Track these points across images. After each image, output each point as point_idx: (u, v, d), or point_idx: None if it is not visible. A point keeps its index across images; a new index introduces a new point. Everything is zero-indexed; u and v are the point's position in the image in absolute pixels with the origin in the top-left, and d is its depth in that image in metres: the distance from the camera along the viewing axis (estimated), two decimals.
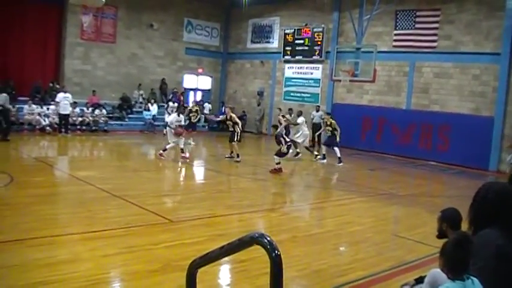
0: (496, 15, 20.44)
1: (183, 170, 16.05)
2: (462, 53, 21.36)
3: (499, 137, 20.09)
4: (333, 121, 18.96)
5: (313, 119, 24.74)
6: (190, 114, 20.97)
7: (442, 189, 15.93)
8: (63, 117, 22.59)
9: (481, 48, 20.87)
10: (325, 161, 18.82)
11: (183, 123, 17.44)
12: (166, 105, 26.89)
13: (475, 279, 2.87)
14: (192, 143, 21.38)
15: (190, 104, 21.34)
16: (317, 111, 24.92)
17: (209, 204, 10.69)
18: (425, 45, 22.51)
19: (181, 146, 16.92)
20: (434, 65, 22.33)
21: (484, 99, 20.81)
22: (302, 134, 19.87)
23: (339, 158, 18.41)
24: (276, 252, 2.66)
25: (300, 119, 20.03)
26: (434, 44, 22.22)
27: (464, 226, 3.36)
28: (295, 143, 19.02)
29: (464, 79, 21.36)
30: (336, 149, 18.62)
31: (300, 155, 19.70)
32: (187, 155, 17.05)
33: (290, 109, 22.18)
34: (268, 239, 2.73)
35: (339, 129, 18.81)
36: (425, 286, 3.76)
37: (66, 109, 22.56)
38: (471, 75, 21.20)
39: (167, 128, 17.38)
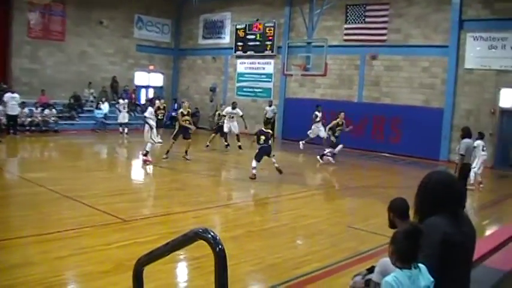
0: (443, 8, 20.97)
1: (137, 168, 15.92)
2: (412, 46, 21.82)
3: (449, 127, 20.68)
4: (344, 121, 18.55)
5: (266, 114, 24.75)
6: (158, 112, 20.61)
7: (395, 180, 16.21)
8: (11, 118, 22.04)
9: (430, 41, 21.37)
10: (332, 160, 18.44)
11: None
12: (117, 103, 26.48)
13: (422, 266, 2.90)
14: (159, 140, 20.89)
15: (157, 102, 20.94)
16: (270, 105, 25.00)
17: (164, 202, 10.66)
18: (375, 39, 22.89)
19: (147, 149, 16.05)
20: (385, 58, 22.75)
21: (433, 90, 21.34)
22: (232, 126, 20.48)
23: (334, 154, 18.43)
24: (220, 247, 2.66)
25: (227, 110, 20.59)
26: (385, 38, 22.63)
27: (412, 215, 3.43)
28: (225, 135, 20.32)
29: (414, 71, 21.85)
30: (340, 146, 18.49)
31: (229, 147, 20.23)
32: (150, 158, 16.18)
33: (234, 102, 21.68)
34: (212, 234, 2.73)
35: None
36: (375, 275, 3.83)
37: (14, 110, 22.02)
38: (421, 68, 21.70)
39: (145, 125, 16.48)
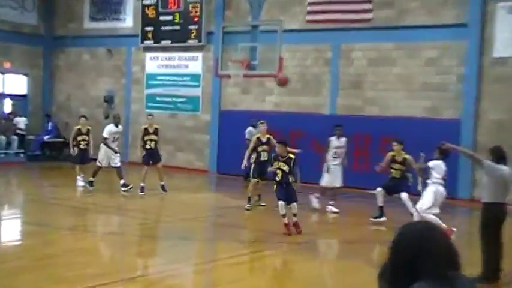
0: None
1: None
2: (410, 26, 22.04)
3: (470, 146, 20.08)
4: (407, 156, 16.98)
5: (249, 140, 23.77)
6: (79, 139, 20.52)
7: (387, 231, 15.87)
8: None
9: (438, 19, 21.67)
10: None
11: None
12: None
13: None
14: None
15: (81, 123, 20.74)
16: (254, 126, 22.80)
17: (30, 279, 10.39)
18: (354, 18, 23.06)
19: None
20: (369, 47, 22.98)
21: (444, 93, 21.63)
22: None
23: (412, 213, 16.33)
24: None
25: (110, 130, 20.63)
26: (368, 16, 22.83)
27: None
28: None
29: (414, 66, 22.11)
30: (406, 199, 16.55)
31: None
32: None
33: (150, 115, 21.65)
34: None
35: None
36: None
37: None
38: (424, 60, 21.98)
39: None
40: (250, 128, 22.15)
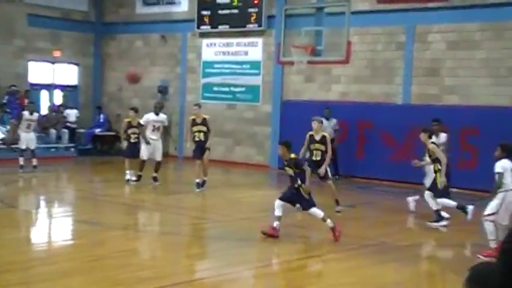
0: None
1: (30, 223, 16.00)
2: (496, 4, 21.52)
3: None
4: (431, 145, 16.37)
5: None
6: (129, 132, 20.78)
7: (468, 233, 15.71)
8: None
9: None
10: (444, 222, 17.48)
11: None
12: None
13: None
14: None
15: (131, 114, 20.82)
16: (327, 118, 23.08)
17: (80, 282, 10.50)
18: None
19: None
20: (448, 29, 22.47)
21: None
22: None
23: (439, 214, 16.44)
24: None
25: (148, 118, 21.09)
26: None
27: None
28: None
29: (501, 48, 21.57)
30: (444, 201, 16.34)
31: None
32: None
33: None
34: None
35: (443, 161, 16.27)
36: None
37: None
38: None
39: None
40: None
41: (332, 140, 21.76)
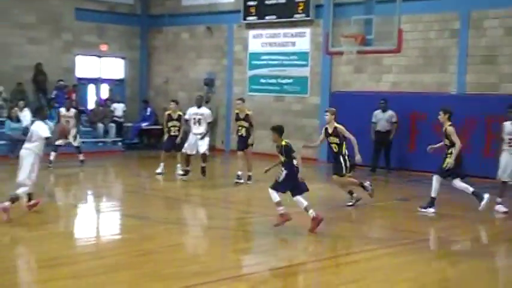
0: None
1: (79, 218, 16.14)
2: None
3: None
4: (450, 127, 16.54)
5: (375, 123, 23.68)
6: (170, 125, 21.03)
7: None
8: None
9: None
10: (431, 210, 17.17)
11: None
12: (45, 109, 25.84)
13: None
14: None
15: (171, 108, 21.06)
16: (383, 110, 23.61)
17: (129, 276, 10.61)
18: None
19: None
20: (507, 14, 22.32)
21: None
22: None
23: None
24: None
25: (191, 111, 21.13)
26: None
27: None
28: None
29: None
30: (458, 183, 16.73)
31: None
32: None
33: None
34: None
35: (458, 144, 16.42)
36: None
37: None
38: None
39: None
40: (377, 111, 21.92)
41: (388, 132, 21.83)
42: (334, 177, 16.74)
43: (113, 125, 29.22)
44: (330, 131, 16.79)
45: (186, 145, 20.87)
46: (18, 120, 26.19)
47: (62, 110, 23.02)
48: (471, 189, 16.20)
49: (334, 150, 16.73)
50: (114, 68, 32.55)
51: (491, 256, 12.37)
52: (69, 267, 11.06)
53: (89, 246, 13.55)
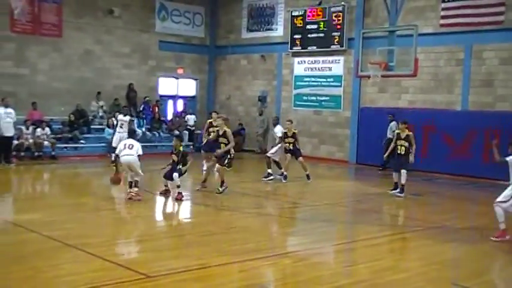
0: None
1: (161, 205, 16.14)
2: None
3: None
4: (410, 133, 18.19)
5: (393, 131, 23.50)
6: (210, 130, 19.98)
7: None
8: (5, 141, 21.43)
9: None
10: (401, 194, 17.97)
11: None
12: (132, 119, 24.64)
13: None
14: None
15: (214, 115, 20.90)
16: (390, 122, 23.72)
17: (198, 252, 10.63)
18: (486, 21, 22.47)
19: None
20: (501, 48, 22.37)
21: None
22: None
23: (403, 186, 17.94)
24: None
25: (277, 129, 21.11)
26: (500, 18, 22.18)
27: None
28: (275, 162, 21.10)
29: None
30: (403, 172, 17.88)
31: (273, 177, 20.58)
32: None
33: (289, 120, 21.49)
34: None
35: (414, 145, 18.05)
36: None
37: (8, 130, 21.47)
38: None
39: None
40: (392, 123, 22.27)
41: (390, 140, 21.95)
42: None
43: (186, 132, 29.65)
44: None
45: (272, 151, 20.95)
46: (113, 127, 25.82)
47: (120, 116, 21.76)
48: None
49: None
50: (188, 87, 33.06)
51: (486, 242, 12.11)
52: (155, 243, 11.31)
53: (166, 227, 13.91)
